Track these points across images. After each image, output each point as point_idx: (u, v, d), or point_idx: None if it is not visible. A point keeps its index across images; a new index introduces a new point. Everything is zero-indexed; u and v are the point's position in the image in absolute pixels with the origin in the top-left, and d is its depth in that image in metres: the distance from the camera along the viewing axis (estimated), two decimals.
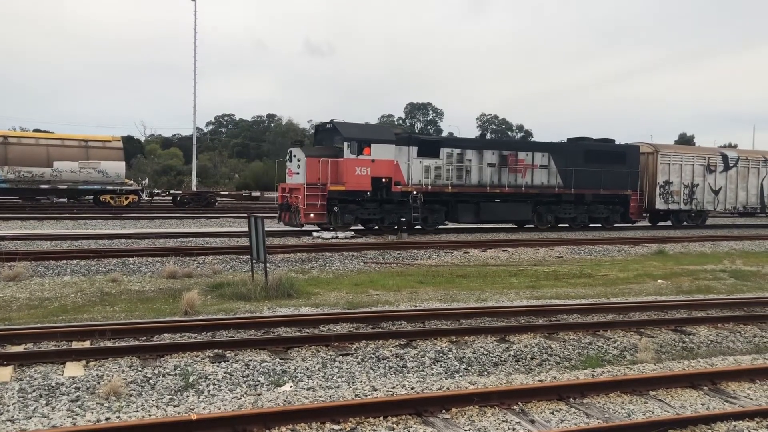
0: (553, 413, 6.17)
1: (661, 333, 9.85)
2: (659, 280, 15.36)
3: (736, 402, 6.60)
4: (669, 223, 32.18)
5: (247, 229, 13.52)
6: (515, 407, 6.23)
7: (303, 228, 23.53)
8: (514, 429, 5.71)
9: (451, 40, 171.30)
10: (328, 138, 24.44)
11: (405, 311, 10.61)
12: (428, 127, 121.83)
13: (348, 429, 5.58)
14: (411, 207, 23.99)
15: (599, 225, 29.31)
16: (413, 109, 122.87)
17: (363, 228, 24.35)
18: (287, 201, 23.63)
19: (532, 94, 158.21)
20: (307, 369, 7.77)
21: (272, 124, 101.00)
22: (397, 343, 8.76)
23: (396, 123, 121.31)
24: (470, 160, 25.64)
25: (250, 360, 7.87)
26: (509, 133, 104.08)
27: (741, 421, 5.84)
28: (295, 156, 23.57)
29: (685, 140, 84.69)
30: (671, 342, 9.52)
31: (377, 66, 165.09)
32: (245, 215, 16.62)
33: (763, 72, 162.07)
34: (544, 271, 16.68)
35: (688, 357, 8.83)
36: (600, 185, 28.14)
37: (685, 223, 32.16)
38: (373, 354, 8.34)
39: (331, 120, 24.40)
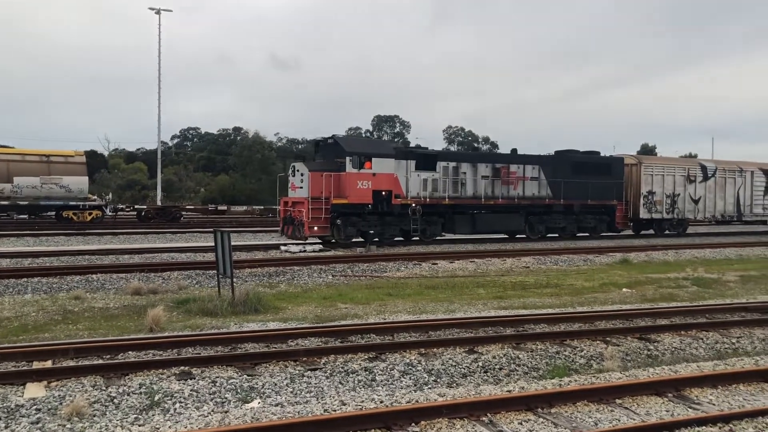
0: (521, 424, 6.20)
1: (626, 341, 9.98)
2: (624, 289, 15.59)
3: (699, 408, 6.71)
4: (652, 231, 33.08)
5: (213, 244, 13.38)
6: (484, 418, 6.25)
7: (307, 241, 23.86)
8: None
9: (417, 53, 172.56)
10: (329, 152, 24.87)
11: (374, 324, 10.59)
12: (396, 140, 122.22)
13: None
14: (410, 219, 24.75)
15: (587, 234, 30.24)
16: (380, 121, 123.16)
17: (363, 240, 24.70)
18: (290, 214, 23.97)
19: (497, 108, 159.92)
20: (275, 385, 7.70)
21: (238, 137, 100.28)
22: (366, 357, 8.73)
23: (365, 136, 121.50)
24: (465, 173, 26.47)
25: (217, 377, 7.77)
26: (475, 144, 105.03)
27: (704, 427, 5.94)
28: (298, 170, 24.07)
29: (647, 150, 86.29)
30: (636, 350, 9.66)
31: (344, 79, 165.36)
32: (211, 230, 16.51)
33: (722, 84, 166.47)
34: (512, 281, 16.81)
35: (653, 364, 8.96)
36: (587, 196, 29.23)
37: (667, 232, 33.17)
38: (342, 368, 8.30)
39: (333, 135, 25.06)
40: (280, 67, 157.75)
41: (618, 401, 6.86)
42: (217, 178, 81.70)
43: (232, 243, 13.07)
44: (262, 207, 54.68)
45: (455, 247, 24.44)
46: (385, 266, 19.09)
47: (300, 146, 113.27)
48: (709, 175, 33.65)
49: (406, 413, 6.14)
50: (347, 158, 23.68)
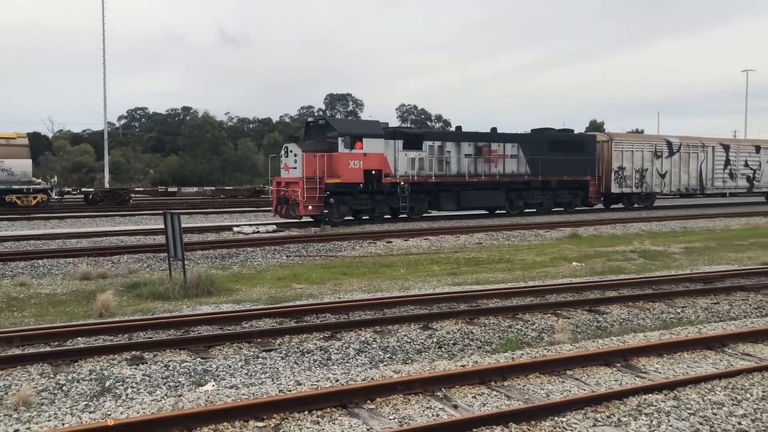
0: (475, 397, 6.29)
1: (576, 314, 10.21)
2: (574, 263, 15.91)
3: (646, 376, 6.92)
4: (621, 205, 34.38)
5: (163, 226, 13.13)
6: (439, 393, 6.32)
7: (302, 220, 24.63)
8: (437, 415, 5.79)
9: (370, 31, 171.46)
10: (319, 133, 25.55)
11: (329, 303, 10.58)
12: (349, 118, 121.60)
13: (272, 425, 5.52)
14: (399, 197, 25.58)
15: (563, 209, 31.26)
16: (333, 100, 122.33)
17: (353, 218, 25.62)
18: (284, 194, 24.61)
19: (449, 85, 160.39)
20: (230, 367, 7.64)
21: (188, 117, 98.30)
22: (321, 336, 8.73)
23: (317, 114, 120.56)
24: (449, 151, 27.30)
25: (170, 361, 7.67)
26: (428, 123, 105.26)
27: (650, 395, 6.12)
28: (291, 151, 24.66)
29: (595, 127, 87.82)
30: (586, 322, 9.89)
31: (294, 57, 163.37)
32: (161, 212, 16.22)
33: (665, 62, 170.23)
34: (465, 257, 16.99)
35: (602, 336, 9.18)
36: (563, 172, 30.39)
37: (636, 205, 34.48)
38: (297, 348, 8.28)
39: (324, 116, 26.87)
40: (229, 43, 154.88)
41: (569, 372, 7.01)
42: (166, 159, 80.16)
43: (183, 225, 12.86)
44: (214, 188, 53.87)
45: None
46: (340, 245, 19.06)
47: (251, 125, 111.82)
48: (674, 151, 35.03)
49: (362, 391, 6.17)
50: (339, 139, 24.34)
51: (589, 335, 9.32)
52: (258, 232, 21.98)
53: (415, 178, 26.24)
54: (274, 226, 23.10)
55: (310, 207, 23.78)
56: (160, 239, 18.12)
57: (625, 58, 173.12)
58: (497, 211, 29.87)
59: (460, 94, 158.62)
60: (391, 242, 19.89)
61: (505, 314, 10.00)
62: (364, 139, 24.85)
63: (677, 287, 12.25)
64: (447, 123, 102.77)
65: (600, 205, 34.10)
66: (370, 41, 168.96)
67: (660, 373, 7.07)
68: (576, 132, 33.34)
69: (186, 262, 12.78)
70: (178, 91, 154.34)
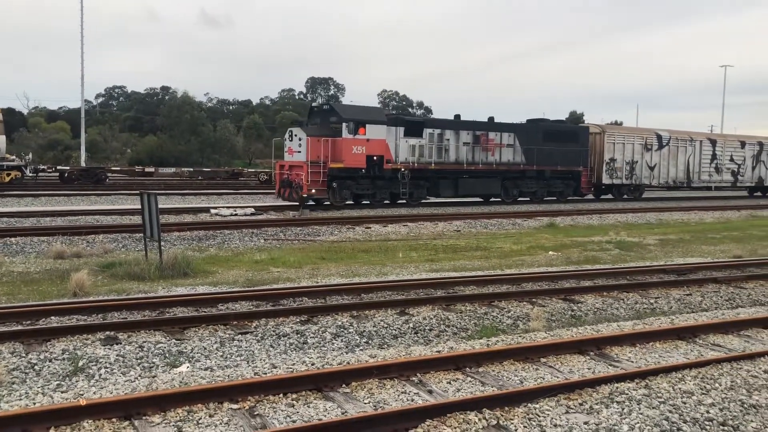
0: (450, 383, 6.33)
1: (551, 302, 10.30)
2: (550, 252, 16.04)
3: (619, 365, 7.01)
4: (610, 196, 35.06)
5: (140, 206, 12.99)
6: (414, 378, 6.35)
7: (305, 202, 25.09)
8: (412, 400, 5.82)
9: (353, 15, 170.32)
10: (323, 118, 26.06)
11: (306, 287, 10.55)
12: (330, 102, 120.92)
13: (247, 407, 5.51)
14: (400, 183, 26.25)
15: (555, 198, 31.99)
16: (314, 83, 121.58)
17: (352, 203, 26.41)
18: (288, 177, 25.14)
19: (430, 73, 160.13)
20: (205, 349, 7.61)
21: (167, 97, 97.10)
22: (297, 320, 8.72)
23: (297, 97, 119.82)
24: (448, 139, 27.98)
25: (145, 341, 7.62)
26: (410, 109, 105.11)
27: (622, 383, 6.20)
28: (296, 135, 25.13)
29: (575, 118, 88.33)
30: (561, 310, 9.98)
31: (276, 39, 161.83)
32: (138, 192, 16.06)
33: (646, 54, 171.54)
34: (443, 244, 17.04)
35: (577, 324, 9.28)
36: (557, 162, 31.12)
37: (625, 196, 35.14)
38: (274, 331, 8.27)
39: (328, 101, 27.55)
40: (210, 24, 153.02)
41: (543, 360, 7.08)
42: (144, 139, 79.22)
43: (160, 206, 12.74)
44: (192, 169, 53.38)
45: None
46: (318, 230, 19.03)
47: (231, 107, 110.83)
48: (664, 144, 35.87)
49: (338, 374, 6.18)
50: (343, 124, 24.85)
51: (563, 324, 9.42)
52: (236, 214, 21.85)
53: (416, 164, 26.80)
54: (252, 209, 22.99)
55: (313, 190, 24.46)
56: (137, 219, 17.96)
57: (605, 50, 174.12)
58: (492, 199, 30.48)
59: (440, 82, 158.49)
60: (369, 228, 19.89)
61: (482, 301, 10.06)
62: (367, 126, 25.29)
63: (651, 278, 12.41)
64: (428, 110, 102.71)
65: (590, 196, 34.69)
66: (353, 25, 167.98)
67: (632, 362, 7.17)
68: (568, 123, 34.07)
69: (162, 243, 12.68)
70: (158, 71, 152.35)
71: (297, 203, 24.89)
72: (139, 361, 7.16)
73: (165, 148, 73.72)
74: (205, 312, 8.99)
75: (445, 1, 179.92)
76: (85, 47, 53.57)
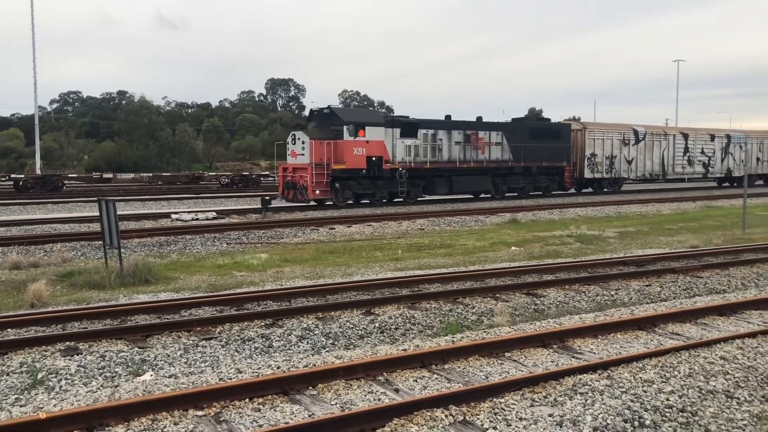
0: (416, 381, 6.36)
1: (515, 297, 10.42)
2: (513, 247, 16.22)
3: (582, 357, 7.12)
4: (590, 190, 36.23)
5: (98, 214, 12.76)
6: (380, 378, 6.36)
7: (309, 204, 26.21)
8: (379, 399, 5.83)
9: (311, 16, 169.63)
10: (323, 121, 26.86)
11: (270, 291, 10.49)
12: (290, 104, 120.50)
13: (212, 414, 5.46)
14: (398, 182, 27.19)
15: (540, 193, 33.19)
16: (274, 84, 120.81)
17: (352, 202, 27.22)
18: (292, 179, 26.02)
19: (390, 73, 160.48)
20: (168, 356, 7.51)
21: (124, 102, 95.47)
22: (262, 324, 8.66)
23: (257, 99, 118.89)
24: (441, 139, 29.07)
25: (106, 351, 7.48)
26: (370, 108, 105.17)
27: (585, 375, 6.31)
28: (299, 139, 26.01)
29: (534, 114, 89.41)
30: (524, 305, 10.10)
31: (234, 41, 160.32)
32: (96, 199, 15.74)
33: (598, 52, 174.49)
34: (407, 243, 17.09)
35: (540, 318, 9.40)
36: (542, 159, 32.56)
37: (605, 189, 36.41)
38: (238, 336, 8.20)
39: (329, 106, 27.21)
40: (166, 27, 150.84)
41: (507, 354, 7.16)
42: (101, 145, 77.83)
43: (119, 212, 12.53)
44: (151, 174, 52.58)
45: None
46: (282, 232, 18.91)
47: (190, 110, 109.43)
48: (640, 139, 37.23)
49: (304, 377, 6.16)
50: (344, 127, 25.74)
51: (527, 318, 9.53)
52: (197, 219, 21.59)
53: (412, 164, 27.83)
54: (214, 213, 22.74)
55: (318, 191, 25.34)
56: (96, 227, 17.63)
57: (560, 48, 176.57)
58: (482, 195, 31.80)
59: (399, 82, 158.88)
60: (333, 228, 19.85)
61: (446, 298, 10.13)
62: (366, 128, 26.24)
63: (611, 270, 12.63)
64: (389, 110, 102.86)
65: (573, 190, 35.79)
66: (312, 26, 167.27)
67: (594, 353, 7.29)
68: (552, 122, 36.20)
69: (122, 250, 12.47)
70: (114, 75, 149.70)
71: (302, 204, 25.88)
72: (100, 371, 7.04)
73: (123, 153, 72.53)
74: (167, 319, 8.87)
75: (400, 2, 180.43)
76: (38, 52, 52.32)
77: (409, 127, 27.85)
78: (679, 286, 11.65)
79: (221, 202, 31.07)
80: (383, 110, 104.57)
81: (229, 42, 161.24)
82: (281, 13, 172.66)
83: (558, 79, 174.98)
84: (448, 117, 30.68)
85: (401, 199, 27.85)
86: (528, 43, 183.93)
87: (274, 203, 25.05)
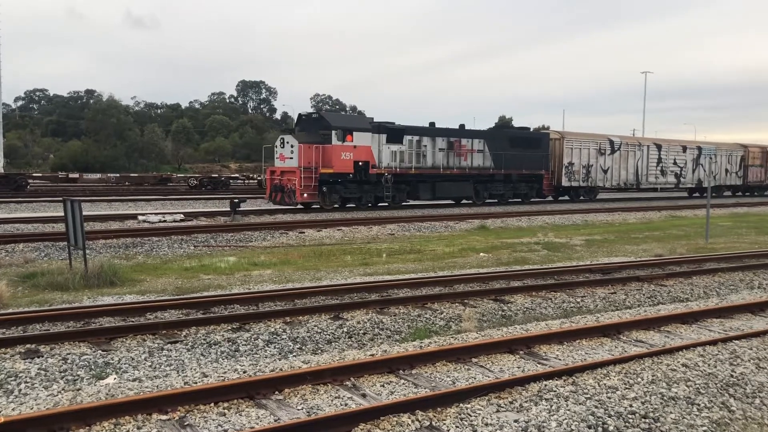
0: (384, 386, 6.35)
1: (483, 303, 10.48)
2: (481, 254, 16.32)
3: (547, 363, 7.19)
4: (567, 198, 37.01)
5: (63, 214, 12.53)
6: (348, 383, 6.35)
7: (297, 206, 26.39)
8: (346, 404, 5.82)
9: (283, 18, 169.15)
10: (311, 126, 27.29)
11: (238, 294, 10.41)
12: (261, 106, 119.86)
13: (177, 418, 5.39)
14: (384, 187, 27.66)
15: (520, 200, 33.91)
16: (245, 86, 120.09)
17: (338, 206, 27.53)
18: (279, 182, 26.39)
19: (361, 78, 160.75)
20: (133, 359, 7.40)
21: (91, 101, 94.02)
22: (229, 328, 8.58)
23: (228, 101, 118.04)
24: (426, 145, 29.58)
25: (69, 353, 7.35)
26: (342, 113, 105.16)
27: (550, 380, 6.37)
28: (287, 142, 26.32)
29: (504, 122, 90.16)
30: (492, 311, 10.17)
31: (205, 42, 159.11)
32: (61, 199, 15.46)
33: (566, 63, 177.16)
34: (377, 248, 17.10)
35: (507, 324, 9.47)
36: (522, 166, 33.26)
37: (581, 198, 37.24)
38: (204, 340, 8.11)
39: (317, 110, 27.72)
40: (136, 25, 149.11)
41: (474, 360, 7.20)
42: (67, 144, 76.50)
43: (85, 213, 12.33)
44: (118, 175, 51.84)
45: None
46: (251, 236, 18.77)
47: (159, 110, 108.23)
48: (616, 149, 38.17)
49: (270, 382, 6.12)
50: (333, 132, 26.23)
51: (494, 323, 9.60)
52: (164, 221, 21.34)
53: (397, 169, 28.35)
54: (182, 215, 22.49)
55: (305, 195, 25.70)
56: (60, 227, 17.31)
57: (528, 56, 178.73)
58: (463, 201, 32.34)
59: (372, 87, 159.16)
60: (303, 232, 19.77)
61: (415, 303, 10.15)
62: (354, 133, 26.71)
63: (578, 278, 12.78)
64: (362, 114, 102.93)
65: (550, 197, 36.50)
66: (283, 29, 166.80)
67: (560, 359, 7.37)
68: (531, 130, 36.65)
69: (88, 252, 12.27)
70: (81, 74, 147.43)
71: (289, 207, 26.15)
72: (62, 374, 6.90)
73: (90, 153, 71.41)
74: (132, 321, 8.75)
75: (371, 9, 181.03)
76: (2, 48, 51.21)
77: (395, 134, 28.37)
78: (644, 294, 11.84)
79: (189, 204, 30.74)
80: (356, 114, 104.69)
81: (200, 42, 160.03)
82: (253, 14, 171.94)
83: (527, 88, 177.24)
84: (432, 124, 31.19)
85: (386, 204, 28.38)
86: (496, 52, 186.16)
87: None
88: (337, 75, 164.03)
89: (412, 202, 30.14)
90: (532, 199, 34.60)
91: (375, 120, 28.68)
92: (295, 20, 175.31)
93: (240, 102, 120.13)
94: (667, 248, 17.62)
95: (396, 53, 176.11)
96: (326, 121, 26.94)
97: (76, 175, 50.23)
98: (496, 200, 33.02)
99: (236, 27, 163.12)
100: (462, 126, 32.40)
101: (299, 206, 26.58)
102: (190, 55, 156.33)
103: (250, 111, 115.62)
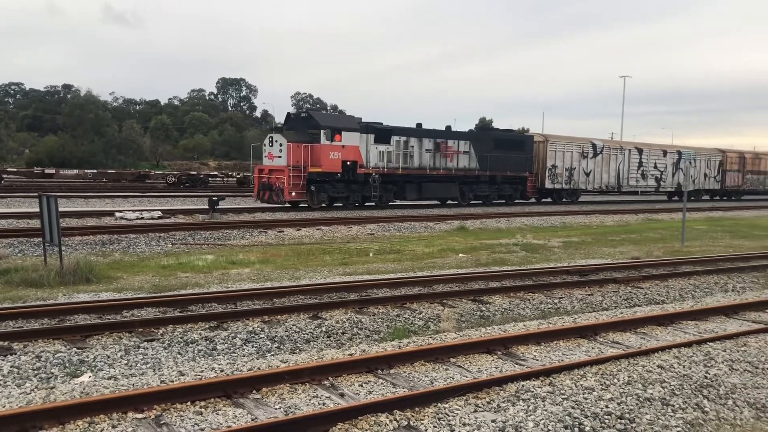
0: (362, 385, 6.34)
1: (461, 303, 10.51)
2: (460, 254, 16.37)
3: (525, 363, 7.23)
4: (550, 200, 37.32)
5: (38, 210, 12.36)
6: (326, 382, 6.33)
7: (285, 205, 26.60)
8: (324, 404, 5.80)
9: (263, 18, 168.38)
10: (299, 125, 27.53)
11: (215, 293, 10.33)
12: (241, 104, 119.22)
13: (152, 417, 5.34)
14: (371, 186, 27.92)
15: (503, 201, 34.25)
16: (226, 84, 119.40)
17: (326, 205, 27.69)
18: (268, 181, 26.46)
19: (342, 77, 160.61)
20: (108, 357, 7.31)
21: (69, 96, 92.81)
22: (207, 326, 8.52)
23: (208, 98, 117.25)
24: (413, 146, 29.90)
25: (43, 351, 7.24)
26: (323, 111, 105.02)
27: (528, 381, 6.40)
28: (276, 141, 26.48)
29: (484, 124, 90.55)
30: (470, 311, 10.20)
31: (186, 38, 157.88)
32: (36, 194, 15.21)
33: (546, 64, 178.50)
34: (357, 247, 17.08)
35: (485, 324, 9.51)
36: (507, 168, 33.71)
37: (564, 200, 37.62)
38: (181, 338, 8.04)
39: (306, 110, 28.04)
40: (116, 21, 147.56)
41: (452, 360, 7.21)
42: (44, 139, 75.48)
43: (61, 209, 12.17)
44: (95, 171, 51.26)
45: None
46: (229, 234, 18.65)
47: (138, 106, 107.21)
48: (598, 152, 38.71)
49: (248, 381, 6.08)
50: (321, 131, 26.44)
51: (472, 324, 9.63)
52: (142, 218, 21.13)
53: (385, 169, 28.59)
54: (160, 212, 22.30)
55: (294, 193, 25.85)
56: (35, 223, 17.10)
57: (509, 59, 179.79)
58: (449, 202, 32.61)
59: (353, 86, 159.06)
60: (282, 231, 19.69)
61: (394, 303, 10.15)
62: (342, 133, 26.95)
63: (555, 279, 12.87)
64: (342, 113, 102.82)
65: (533, 199, 36.84)
66: (265, 27, 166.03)
67: (537, 360, 7.41)
68: (515, 132, 38.17)
69: (63, 248, 12.10)
70: (59, 68, 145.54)
71: (276, 205, 26.26)
72: (35, 372, 6.80)
73: (67, 148, 70.51)
74: (108, 319, 8.65)
75: (352, 9, 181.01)
76: None
77: (382, 134, 28.61)
78: (621, 296, 11.95)
79: (167, 201, 30.47)
80: (337, 113, 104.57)
81: (180, 39, 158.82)
82: (235, 11, 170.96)
83: (506, 90, 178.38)
84: (419, 125, 31.43)
85: (373, 204, 28.65)
86: (475, 54, 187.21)
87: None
88: (318, 74, 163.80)
89: (398, 202, 30.38)
90: (516, 201, 34.98)
91: (363, 120, 28.85)
92: (277, 18, 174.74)
93: (220, 99, 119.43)
94: (643, 251, 17.81)
95: (375, 54, 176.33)
96: (315, 120, 27.12)
97: (53, 171, 49.62)
98: (480, 201, 33.35)
99: (217, 24, 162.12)
100: (448, 127, 32.73)
101: (287, 205, 26.65)
102: (170, 52, 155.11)
103: (230, 108, 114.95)
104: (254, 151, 30.02)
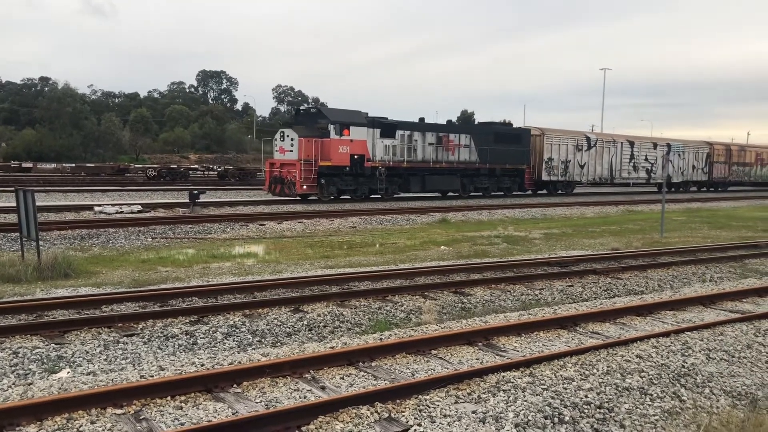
0: (343, 378, 6.35)
1: (443, 295, 10.55)
2: (442, 247, 16.42)
3: (505, 355, 7.27)
4: (545, 192, 38.11)
5: (15, 204, 12.19)
6: (307, 375, 6.32)
7: (296, 198, 27.21)
8: (305, 397, 5.80)
9: (246, 10, 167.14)
10: (309, 120, 28.20)
11: (196, 287, 10.26)
12: (222, 96, 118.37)
13: (132, 412, 5.30)
14: (377, 179, 28.66)
15: (502, 193, 35.31)
16: (206, 76, 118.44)
17: (334, 198, 28.19)
18: (279, 174, 27.19)
19: (323, 70, 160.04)
20: (87, 353, 7.25)
21: (46, 89, 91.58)
22: (187, 320, 8.47)
23: (188, 90, 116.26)
24: (417, 140, 30.59)
25: (20, 347, 7.16)
26: (304, 104, 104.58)
27: (508, 372, 6.44)
28: (288, 136, 27.16)
29: (466, 117, 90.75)
30: (452, 303, 10.24)
31: (165, 31, 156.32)
32: (13, 188, 15.00)
33: (527, 58, 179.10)
34: (339, 240, 17.06)
35: (466, 316, 9.55)
36: (506, 161, 34.58)
37: (559, 192, 38.34)
38: (161, 333, 7.99)
39: (316, 105, 28.32)
40: (94, 12, 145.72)
41: (434, 352, 7.24)
42: (21, 133, 74.43)
43: (39, 203, 12.02)
44: (74, 165, 50.67)
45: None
46: (210, 228, 18.56)
47: (117, 99, 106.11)
48: (592, 145, 39.43)
49: (228, 375, 6.05)
50: (331, 126, 27.04)
51: (454, 316, 9.66)
52: (121, 212, 20.94)
53: (390, 163, 29.30)
54: (139, 207, 22.10)
55: (305, 186, 26.53)
56: (12, 218, 16.86)
57: (491, 52, 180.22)
58: (450, 194, 33.35)
59: (333, 79, 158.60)
60: (264, 225, 19.62)
61: (376, 296, 10.15)
62: (351, 127, 27.60)
63: (536, 270, 12.95)
64: (324, 106, 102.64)
65: (530, 191, 37.50)
66: (246, 19, 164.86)
67: (518, 351, 7.46)
68: (514, 126, 38.19)
69: (41, 243, 11.97)
70: (36, 60, 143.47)
71: (288, 198, 26.91)
72: (12, 368, 6.73)
73: (44, 142, 69.61)
74: (87, 314, 8.56)
75: (333, 2, 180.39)
76: None
77: (388, 128, 29.22)
78: (600, 287, 12.05)
79: (147, 195, 30.22)
80: (319, 104, 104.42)
81: (159, 31, 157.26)
82: (215, 3, 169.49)
83: (487, 83, 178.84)
84: (421, 119, 32.08)
85: (379, 196, 29.42)
86: (455, 47, 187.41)
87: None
88: (299, 67, 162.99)
89: (403, 195, 31.05)
90: (514, 193, 35.78)
91: (369, 115, 29.40)
92: (257, 11, 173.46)
93: (200, 92, 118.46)
94: (623, 242, 17.97)
95: (357, 47, 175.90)
96: (324, 115, 27.76)
97: (30, 165, 48.99)
98: (480, 193, 34.06)
99: (197, 16, 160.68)
100: (449, 122, 33.53)
101: (298, 198, 27.16)
102: (149, 44, 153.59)
103: (210, 101, 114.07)
104: (264, 146, 30.57)
